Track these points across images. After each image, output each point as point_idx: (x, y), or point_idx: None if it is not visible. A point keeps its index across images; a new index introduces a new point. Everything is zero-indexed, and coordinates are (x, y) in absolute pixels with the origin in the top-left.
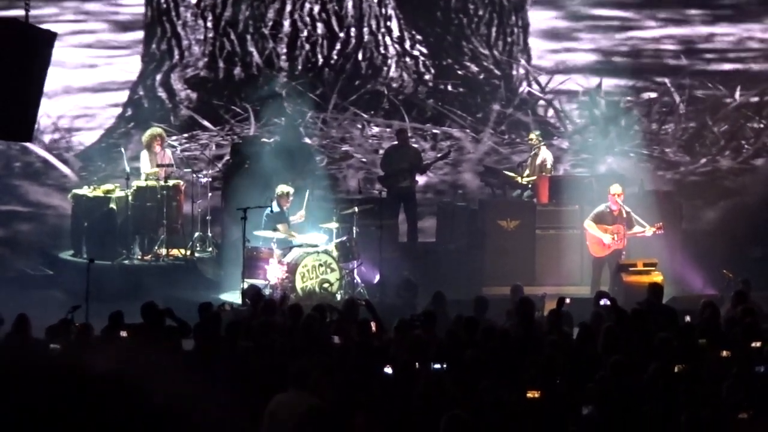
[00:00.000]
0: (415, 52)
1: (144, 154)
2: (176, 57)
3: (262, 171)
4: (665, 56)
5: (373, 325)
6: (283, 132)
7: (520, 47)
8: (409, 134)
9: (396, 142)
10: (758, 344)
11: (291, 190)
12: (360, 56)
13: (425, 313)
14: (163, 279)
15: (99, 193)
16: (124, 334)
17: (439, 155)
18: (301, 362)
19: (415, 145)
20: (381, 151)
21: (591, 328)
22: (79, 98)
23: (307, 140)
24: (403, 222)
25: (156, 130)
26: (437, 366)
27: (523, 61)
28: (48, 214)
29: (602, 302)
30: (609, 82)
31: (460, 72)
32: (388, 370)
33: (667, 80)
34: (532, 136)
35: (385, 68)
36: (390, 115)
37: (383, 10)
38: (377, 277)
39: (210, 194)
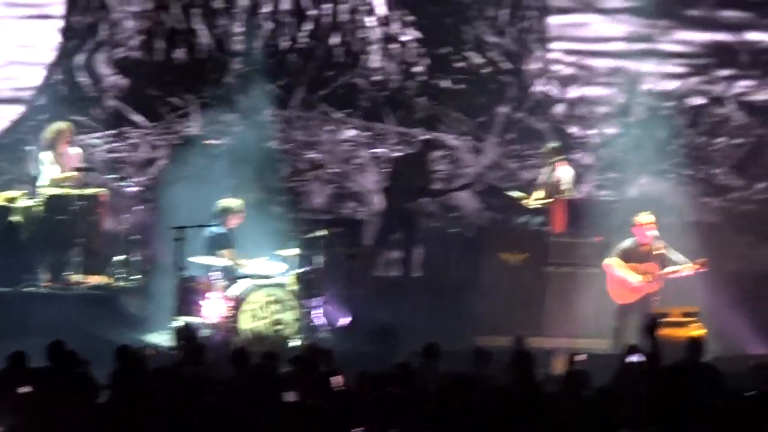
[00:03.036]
0: (405, 38)
1: (46, 156)
2: (103, 33)
3: (206, 180)
4: (718, 50)
5: (337, 379)
6: (241, 132)
7: (536, 35)
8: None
9: (415, 152)
10: None
11: (239, 204)
12: (334, 40)
13: (401, 366)
14: (76, 312)
15: None
16: (25, 389)
17: (458, 186)
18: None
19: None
20: (356, 161)
21: (614, 391)
22: None
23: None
24: (387, 250)
25: (62, 124)
26: None
27: (538, 53)
28: None
29: (634, 358)
30: (648, 83)
31: (459, 64)
32: None
33: (720, 82)
34: (548, 148)
35: (366, 56)
36: (370, 115)
37: None
38: (346, 319)
39: (139, 207)
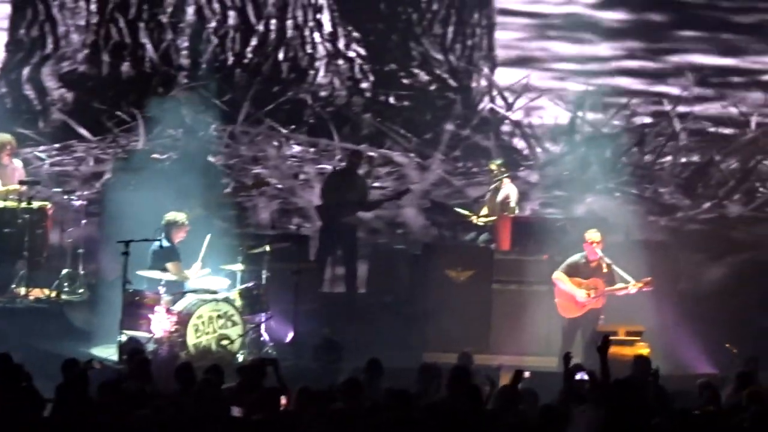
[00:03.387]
0: (351, 54)
1: None
2: (49, 47)
3: (151, 194)
4: (666, 73)
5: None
6: (183, 146)
7: (483, 53)
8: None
9: (344, 166)
10: None
11: (183, 217)
12: (281, 55)
13: (348, 382)
14: (21, 325)
15: None
16: None
17: (395, 193)
18: None
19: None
20: (301, 176)
21: (558, 410)
22: None
23: (212, 159)
24: (330, 266)
25: (4, 136)
26: None
27: (486, 70)
28: None
29: (578, 376)
30: (596, 102)
31: (406, 81)
32: None
33: (666, 102)
34: (494, 165)
35: (312, 72)
36: (315, 131)
37: None
38: (290, 335)
39: (84, 221)
